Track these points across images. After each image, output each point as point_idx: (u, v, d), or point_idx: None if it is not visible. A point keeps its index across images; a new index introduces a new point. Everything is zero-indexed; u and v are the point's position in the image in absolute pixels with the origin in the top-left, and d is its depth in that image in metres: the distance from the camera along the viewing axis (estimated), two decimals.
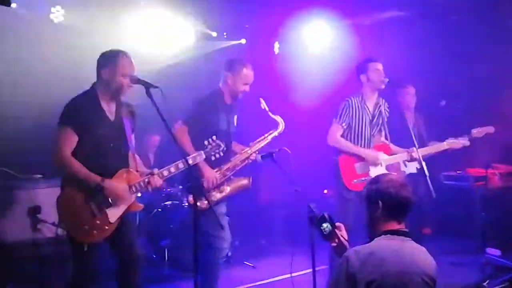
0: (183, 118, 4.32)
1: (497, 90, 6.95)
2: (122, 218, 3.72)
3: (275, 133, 4.58)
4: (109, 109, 3.74)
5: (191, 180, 4.00)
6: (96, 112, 3.68)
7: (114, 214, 3.66)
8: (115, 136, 3.73)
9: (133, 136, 3.89)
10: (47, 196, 4.81)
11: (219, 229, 4.30)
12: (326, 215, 2.90)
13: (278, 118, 4.60)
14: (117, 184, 3.64)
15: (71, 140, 3.57)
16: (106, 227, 3.64)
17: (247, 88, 4.52)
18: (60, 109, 3.63)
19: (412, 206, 2.76)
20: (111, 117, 3.74)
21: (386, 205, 2.72)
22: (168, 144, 4.35)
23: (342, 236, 2.91)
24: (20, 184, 4.89)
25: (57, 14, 5.88)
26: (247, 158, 4.47)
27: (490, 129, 5.55)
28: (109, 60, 3.69)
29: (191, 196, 3.68)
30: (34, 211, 4.75)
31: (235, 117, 4.63)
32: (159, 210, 5.91)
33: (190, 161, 3.87)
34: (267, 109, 4.55)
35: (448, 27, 7.05)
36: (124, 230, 3.75)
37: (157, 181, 3.77)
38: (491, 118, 6.28)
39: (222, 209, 4.49)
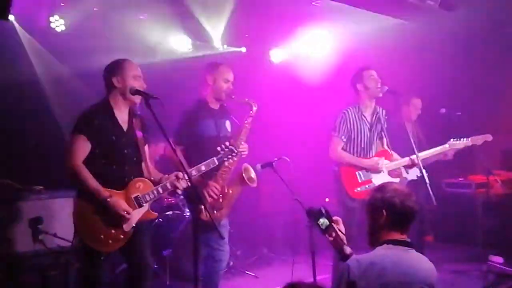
0: (173, 139, 4.16)
1: (497, 97, 6.97)
2: (136, 226, 3.73)
3: (252, 114, 4.44)
4: (122, 119, 3.78)
5: (191, 190, 3.99)
6: (110, 121, 3.71)
7: (128, 223, 3.68)
8: (128, 145, 3.76)
9: (146, 147, 3.92)
10: (48, 207, 4.82)
11: (220, 241, 4.31)
12: (323, 210, 2.88)
13: (247, 101, 4.47)
14: (122, 203, 3.62)
15: (84, 149, 3.59)
16: (122, 236, 3.67)
17: (229, 86, 4.44)
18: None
19: (416, 216, 2.76)
20: (124, 127, 3.77)
21: (390, 215, 2.71)
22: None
23: (339, 230, 2.88)
24: (22, 195, 4.89)
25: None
26: (236, 153, 4.30)
27: (488, 137, 5.55)
28: (117, 67, 3.74)
29: (191, 206, 3.69)
30: (36, 222, 4.74)
31: (227, 122, 4.55)
32: (161, 220, 5.90)
33: (203, 168, 3.96)
34: (233, 97, 4.44)
35: (449, 34, 7.07)
36: (136, 239, 3.76)
37: (183, 184, 3.77)
38: (491, 125, 6.30)
39: (224, 221, 4.47)
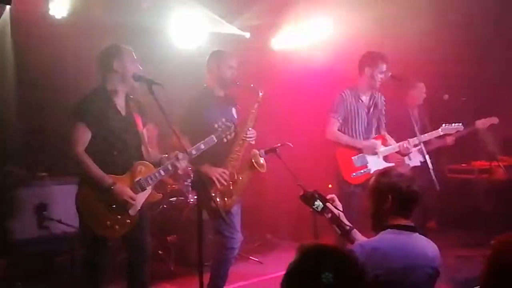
0: (179, 128, 4.07)
1: (502, 83, 6.93)
2: (140, 209, 3.76)
3: (259, 100, 4.46)
4: (120, 104, 3.78)
5: (195, 176, 4.00)
6: (108, 107, 3.71)
7: (134, 207, 3.71)
8: (127, 130, 3.77)
9: (145, 130, 3.92)
10: (53, 193, 4.86)
11: (232, 229, 4.33)
12: (316, 194, 2.91)
13: (253, 87, 4.47)
14: (126, 190, 3.65)
15: (85, 137, 3.61)
16: (128, 221, 3.71)
17: (233, 72, 4.44)
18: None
19: (420, 201, 2.76)
20: (122, 111, 3.78)
21: (395, 200, 2.69)
22: (168, 137, 4.34)
23: (336, 207, 2.92)
24: (26, 182, 4.92)
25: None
26: (244, 140, 4.39)
27: (494, 120, 5.55)
28: (116, 52, 3.73)
29: (197, 194, 3.71)
30: (40, 209, 4.78)
31: (233, 109, 4.55)
32: (165, 206, 5.93)
33: (202, 146, 3.95)
34: (238, 83, 4.44)
35: (454, 19, 7.02)
36: (138, 224, 3.79)
37: (182, 164, 3.78)
38: (495, 111, 6.28)
39: (235, 208, 4.47)
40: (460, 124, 5.44)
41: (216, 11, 6.89)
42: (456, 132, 5.56)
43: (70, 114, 3.64)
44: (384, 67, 4.93)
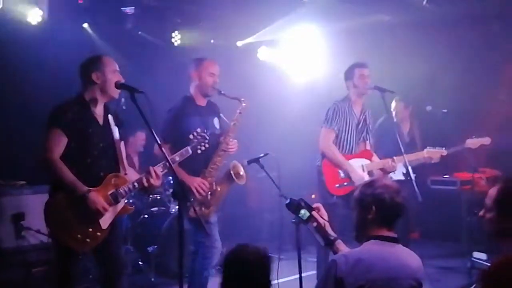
0: (160, 137, 3.93)
1: (484, 95, 7.00)
2: (112, 223, 3.66)
3: (242, 111, 4.41)
4: (98, 113, 3.71)
5: (176, 186, 3.95)
6: (85, 114, 3.64)
7: (105, 220, 3.60)
8: (104, 139, 3.69)
9: (122, 143, 3.85)
10: (31, 202, 4.76)
11: (212, 239, 4.28)
12: (302, 203, 2.90)
13: (237, 97, 4.43)
14: (100, 199, 3.53)
15: (60, 142, 3.51)
16: (99, 234, 3.59)
17: (215, 79, 4.40)
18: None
19: (403, 212, 2.76)
20: (100, 121, 3.71)
21: (379, 211, 2.69)
22: (153, 145, 4.29)
23: (321, 216, 2.89)
24: (4, 190, 4.83)
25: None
26: (225, 151, 4.35)
27: (486, 141, 5.53)
28: (96, 63, 3.67)
29: (178, 204, 3.64)
30: (18, 218, 4.68)
31: (215, 119, 4.52)
32: (146, 216, 5.86)
33: (177, 158, 3.87)
34: (223, 92, 4.39)
35: (438, 33, 7.11)
36: (110, 237, 3.68)
37: (155, 181, 3.67)
38: (477, 123, 6.34)
39: (213, 218, 4.41)
40: (443, 148, 5.46)
41: None
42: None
43: (47, 120, 3.56)
44: (363, 70, 4.97)
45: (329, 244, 2.85)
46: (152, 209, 5.94)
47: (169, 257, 5.50)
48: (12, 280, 4.68)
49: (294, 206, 2.91)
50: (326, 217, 2.93)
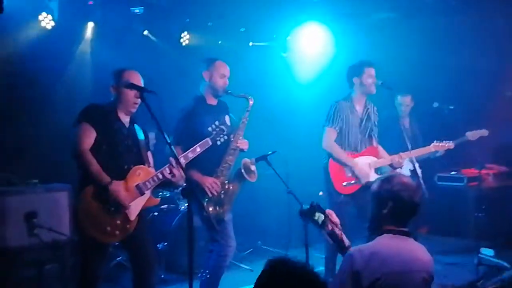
0: (173, 140, 4.16)
1: (490, 91, 7.01)
2: (140, 215, 3.79)
3: (249, 109, 4.48)
4: (124, 120, 3.87)
5: (186, 183, 4.01)
6: (112, 115, 3.80)
7: (132, 212, 3.72)
8: (129, 138, 3.84)
9: (149, 153, 4.00)
10: (43, 200, 4.82)
11: (227, 237, 4.34)
12: (315, 205, 2.90)
13: (244, 96, 4.50)
14: (122, 190, 3.65)
15: (90, 135, 3.66)
16: (128, 226, 3.71)
17: (225, 81, 4.47)
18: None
19: (419, 211, 2.79)
20: (126, 125, 3.87)
21: (396, 208, 2.74)
22: (162, 144, 4.35)
23: (333, 222, 2.90)
24: (17, 189, 4.89)
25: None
26: (236, 149, 4.42)
27: (484, 132, 5.58)
28: (120, 76, 3.82)
29: (187, 201, 3.72)
30: (30, 216, 4.74)
31: (227, 117, 4.57)
32: (155, 214, 5.92)
33: (198, 149, 4.00)
34: (229, 91, 4.47)
35: (439, 28, 7.11)
36: (137, 232, 3.79)
37: (178, 170, 3.77)
38: (484, 119, 6.35)
39: (228, 216, 4.47)
40: (451, 141, 5.49)
41: None
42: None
43: (77, 116, 3.72)
44: (371, 70, 4.98)
45: (343, 251, 2.86)
46: (162, 206, 5.99)
47: (179, 254, 5.56)
48: (25, 278, 4.73)
49: (307, 212, 2.90)
50: (338, 223, 2.94)
